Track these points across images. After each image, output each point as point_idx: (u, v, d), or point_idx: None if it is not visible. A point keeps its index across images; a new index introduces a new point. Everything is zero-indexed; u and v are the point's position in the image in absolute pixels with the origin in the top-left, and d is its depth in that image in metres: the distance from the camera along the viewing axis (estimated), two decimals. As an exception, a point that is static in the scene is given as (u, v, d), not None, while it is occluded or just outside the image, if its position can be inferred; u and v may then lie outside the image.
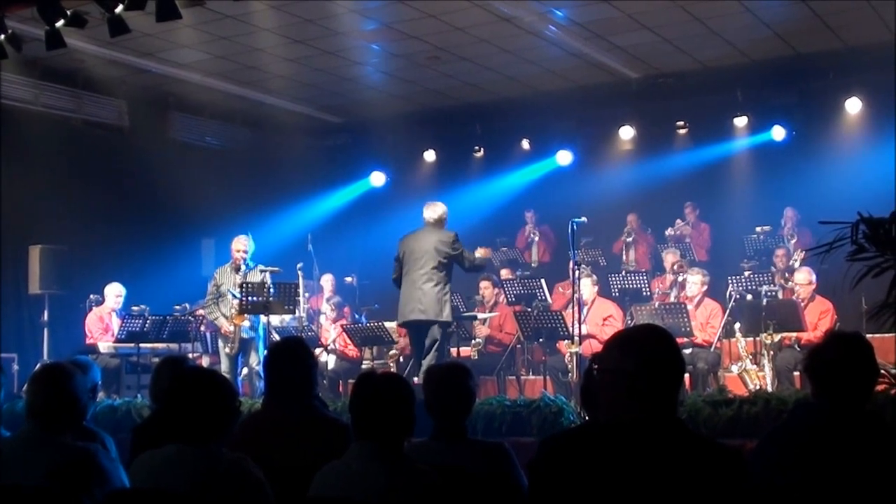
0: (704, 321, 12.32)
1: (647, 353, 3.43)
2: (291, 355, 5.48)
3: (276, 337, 12.39)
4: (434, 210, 11.65)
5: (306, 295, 14.86)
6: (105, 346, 13.72)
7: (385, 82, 16.60)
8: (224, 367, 12.52)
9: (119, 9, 10.52)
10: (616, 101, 16.79)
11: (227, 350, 12.54)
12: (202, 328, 14.01)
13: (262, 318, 12.57)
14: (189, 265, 16.48)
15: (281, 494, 4.41)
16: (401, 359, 13.84)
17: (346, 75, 16.14)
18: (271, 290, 12.29)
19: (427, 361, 11.02)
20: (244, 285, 12.30)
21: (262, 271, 12.67)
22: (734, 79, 15.74)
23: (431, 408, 5.04)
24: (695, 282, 12.63)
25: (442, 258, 11.32)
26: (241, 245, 12.76)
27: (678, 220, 16.16)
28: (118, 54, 14.54)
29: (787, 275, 13.47)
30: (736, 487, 3.31)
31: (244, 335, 12.51)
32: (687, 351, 11.90)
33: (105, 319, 14.09)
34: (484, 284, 14.19)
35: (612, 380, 3.46)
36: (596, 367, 3.59)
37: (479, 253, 11.85)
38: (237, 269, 12.69)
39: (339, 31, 14.05)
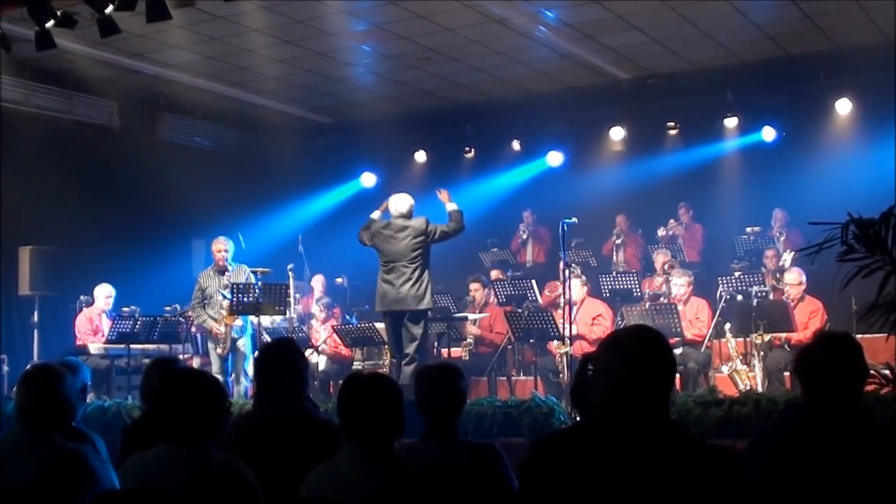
0: (693, 317, 12.34)
1: (636, 354, 3.44)
2: (282, 356, 5.49)
3: (267, 338, 12.38)
4: (404, 201, 11.81)
5: (297, 296, 14.85)
6: (95, 346, 13.69)
7: (375, 83, 16.61)
8: (215, 367, 12.51)
9: (109, 9, 10.50)
10: (606, 101, 16.81)
11: (219, 351, 12.52)
12: (192, 329, 13.98)
13: (252, 319, 12.57)
14: (179, 266, 16.46)
15: (272, 495, 4.41)
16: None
17: (337, 76, 16.14)
18: (258, 290, 12.28)
19: (411, 369, 11.07)
20: (234, 286, 12.31)
21: (252, 271, 12.67)
22: (725, 80, 15.76)
23: (423, 408, 5.04)
24: (681, 283, 12.63)
25: (419, 249, 11.50)
26: (221, 245, 12.76)
27: (671, 220, 16.17)
28: (108, 55, 14.52)
29: (777, 275, 13.49)
30: (728, 488, 3.32)
31: (234, 335, 12.50)
32: (678, 351, 11.90)
33: (95, 321, 14.05)
34: (474, 286, 14.20)
35: (603, 381, 3.47)
36: (590, 368, 3.60)
37: (442, 196, 12.03)
38: (222, 272, 12.68)
39: (330, 32, 14.05)
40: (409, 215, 11.72)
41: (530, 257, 17.30)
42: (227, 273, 12.64)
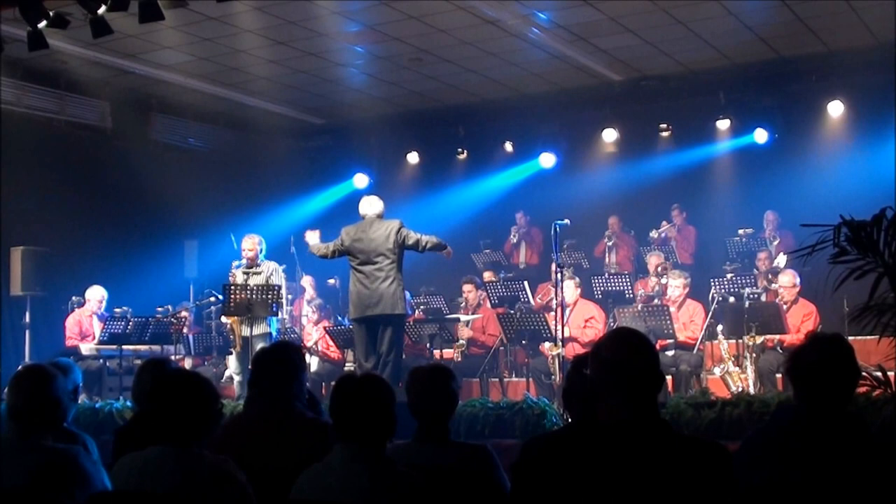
0: (687, 320, 12.34)
1: (607, 356, 3.54)
2: (277, 358, 5.50)
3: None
4: (376, 204, 11.57)
5: (289, 297, 14.85)
6: (87, 347, 13.68)
7: (368, 84, 16.60)
8: (232, 367, 12.59)
9: (102, 10, 10.48)
10: (599, 103, 16.81)
11: (238, 349, 12.50)
12: (184, 330, 13.98)
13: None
14: (172, 267, 16.44)
15: (264, 496, 4.41)
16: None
17: (329, 77, 16.13)
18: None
19: (388, 371, 10.92)
20: (224, 287, 12.34)
21: (273, 272, 12.67)
22: (717, 82, 15.78)
23: (415, 409, 5.05)
24: (676, 285, 12.63)
25: (391, 251, 11.20)
26: (246, 244, 12.71)
27: (664, 222, 16.16)
28: (101, 55, 14.50)
29: (770, 276, 13.51)
30: (722, 482, 3.33)
31: (245, 334, 12.39)
32: (670, 353, 11.94)
33: (83, 323, 14.02)
34: (467, 288, 14.18)
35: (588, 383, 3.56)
36: (587, 371, 3.66)
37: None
38: (248, 269, 12.64)
39: (322, 33, 14.04)
40: (381, 216, 11.53)
41: (523, 259, 17.28)
42: (252, 270, 12.59)
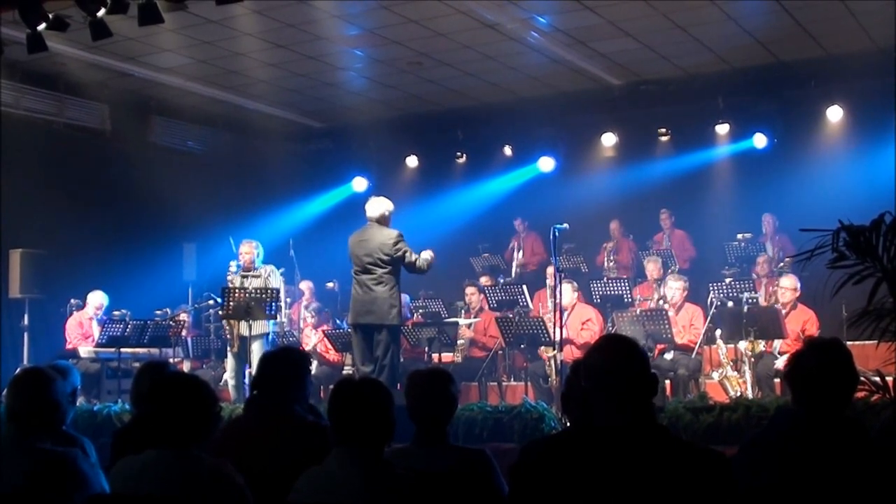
0: (687, 323, 12.32)
1: (591, 363, 3.59)
2: (281, 363, 5.50)
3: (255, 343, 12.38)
4: (377, 206, 11.55)
5: (288, 300, 14.84)
6: (85, 350, 13.68)
7: (367, 87, 16.60)
8: (229, 370, 12.61)
9: (101, 12, 10.48)
10: (598, 107, 16.79)
11: (234, 350, 12.53)
12: (183, 333, 13.98)
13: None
14: (170, 270, 16.44)
15: (262, 499, 4.40)
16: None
17: (329, 80, 16.14)
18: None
19: (384, 376, 10.82)
20: (223, 290, 12.36)
21: (270, 274, 12.74)
22: (716, 86, 15.76)
23: (413, 413, 5.04)
24: (677, 287, 12.62)
25: (385, 261, 11.18)
26: (244, 248, 12.86)
27: (655, 237, 16.16)
28: (100, 58, 14.50)
29: (765, 280, 13.53)
30: (720, 489, 3.33)
31: (243, 333, 12.41)
32: (668, 356, 11.93)
33: (85, 325, 14.03)
34: (470, 290, 14.21)
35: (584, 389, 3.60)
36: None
37: (425, 255, 11.48)
38: (246, 273, 12.71)
39: (322, 36, 14.04)
40: (381, 220, 11.48)
41: (521, 265, 17.25)
42: (250, 273, 12.68)
